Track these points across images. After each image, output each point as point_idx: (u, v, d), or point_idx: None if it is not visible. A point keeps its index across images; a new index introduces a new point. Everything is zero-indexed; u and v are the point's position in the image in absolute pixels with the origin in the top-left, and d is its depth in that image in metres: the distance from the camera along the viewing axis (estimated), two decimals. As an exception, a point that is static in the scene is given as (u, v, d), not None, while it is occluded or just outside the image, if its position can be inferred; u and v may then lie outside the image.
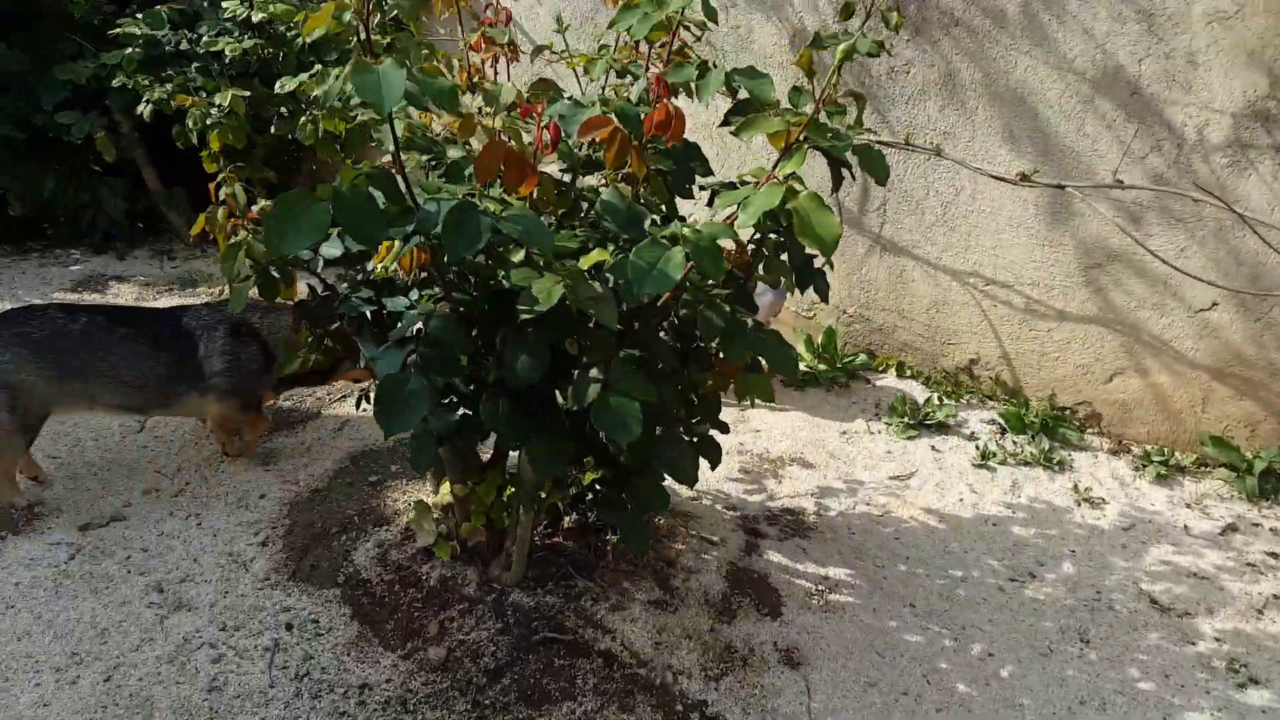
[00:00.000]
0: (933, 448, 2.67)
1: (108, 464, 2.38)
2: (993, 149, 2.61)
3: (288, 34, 3.35)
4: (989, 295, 2.80)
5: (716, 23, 1.63)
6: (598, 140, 1.37)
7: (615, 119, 1.36)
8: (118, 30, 3.33)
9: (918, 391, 2.97)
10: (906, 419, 2.77)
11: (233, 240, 1.47)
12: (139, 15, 3.44)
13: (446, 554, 1.94)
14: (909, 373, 3.07)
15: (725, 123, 1.47)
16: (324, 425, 2.63)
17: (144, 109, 3.30)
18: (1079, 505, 2.43)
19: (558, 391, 1.50)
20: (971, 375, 2.96)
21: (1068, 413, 2.79)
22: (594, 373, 1.34)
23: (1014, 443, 2.70)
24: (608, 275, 1.33)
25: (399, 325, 1.43)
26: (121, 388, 2.13)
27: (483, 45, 1.81)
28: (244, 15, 3.29)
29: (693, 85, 1.53)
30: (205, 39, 3.36)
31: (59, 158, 3.63)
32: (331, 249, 1.58)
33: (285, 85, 3.18)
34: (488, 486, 1.77)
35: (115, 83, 3.39)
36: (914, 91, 2.69)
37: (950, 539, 2.26)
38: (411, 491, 2.28)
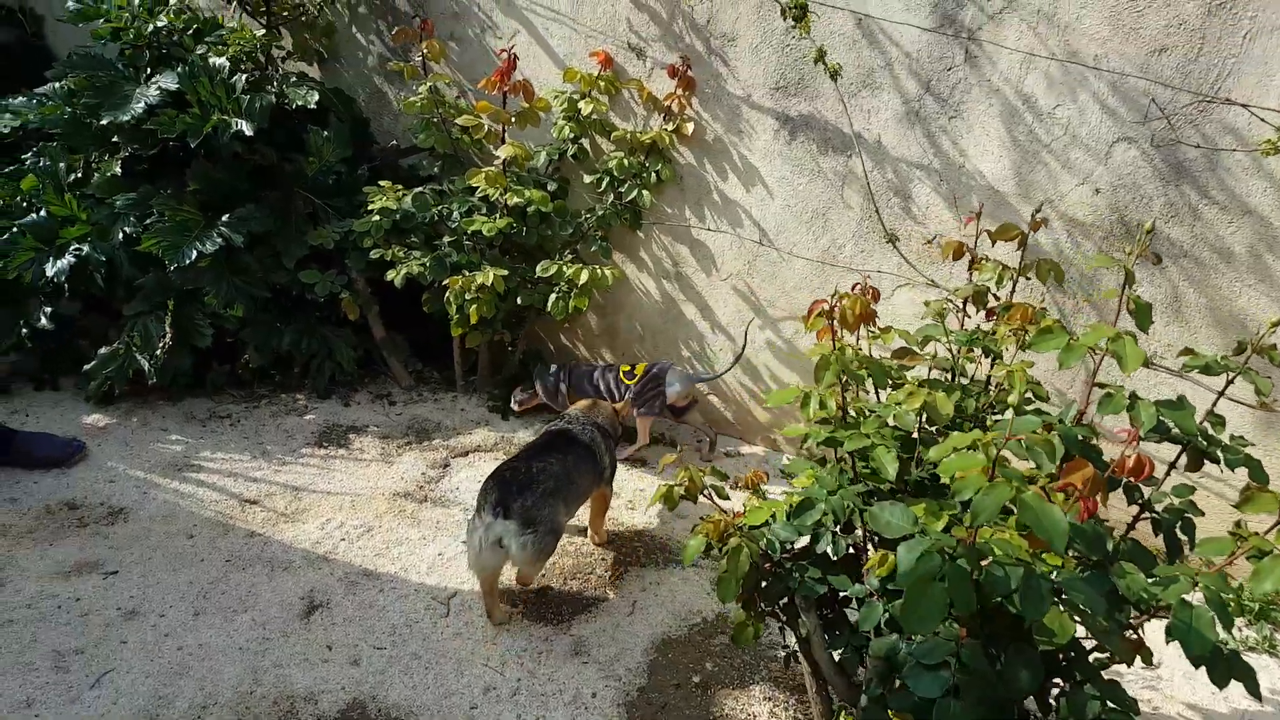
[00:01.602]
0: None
1: (433, 655, 2.55)
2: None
3: (536, 215, 3.58)
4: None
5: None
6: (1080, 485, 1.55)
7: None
8: (376, 204, 3.57)
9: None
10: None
11: (729, 544, 1.64)
12: (383, 184, 3.68)
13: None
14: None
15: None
16: (616, 608, 2.80)
17: (396, 277, 3.54)
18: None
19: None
20: None
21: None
22: (1089, 689, 1.52)
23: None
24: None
25: (855, 608, 1.62)
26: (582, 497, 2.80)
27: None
28: (496, 197, 3.54)
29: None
30: (458, 216, 3.60)
31: (295, 311, 3.85)
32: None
33: (547, 269, 3.45)
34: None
35: (367, 245, 3.64)
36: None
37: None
38: (745, 701, 2.44)
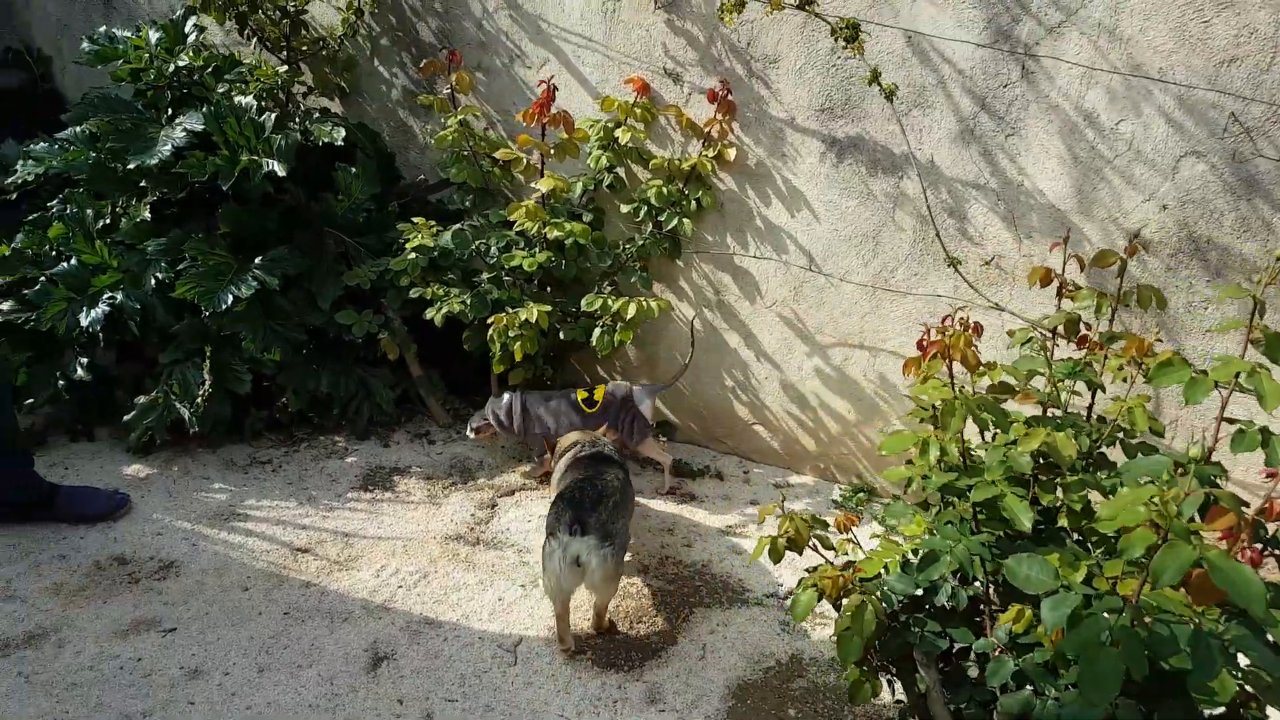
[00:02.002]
0: None
1: (507, 706, 2.46)
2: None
3: (574, 247, 3.52)
4: None
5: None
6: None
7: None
8: (413, 242, 3.50)
9: None
10: None
11: (850, 600, 1.57)
12: (416, 221, 3.61)
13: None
14: None
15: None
16: (686, 653, 2.72)
17: (436, 316, 3.47)
18: None
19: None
20: None
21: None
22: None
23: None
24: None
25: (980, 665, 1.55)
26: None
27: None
28: (534, 231, 3.47)
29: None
30: (495, 251, 3.54)
31: (330, 353, 3.78)
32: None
33: (592, 304, 3.38)
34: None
35: (404, 283, 3.57)
36: (1209, 324, 2.81)
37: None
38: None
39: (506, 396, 3.51)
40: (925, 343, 1.97)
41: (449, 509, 3.40)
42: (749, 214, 3.50)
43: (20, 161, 3.80)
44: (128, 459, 3.51)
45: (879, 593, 1.65)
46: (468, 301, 3.47)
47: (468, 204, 3.86)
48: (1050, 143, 2.86)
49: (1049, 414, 1.89)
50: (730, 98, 3.32)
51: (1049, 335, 2.17)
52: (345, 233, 3.84)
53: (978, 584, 1.71)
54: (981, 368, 1.81)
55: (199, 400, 3.36)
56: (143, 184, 3.63)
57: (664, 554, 3.19)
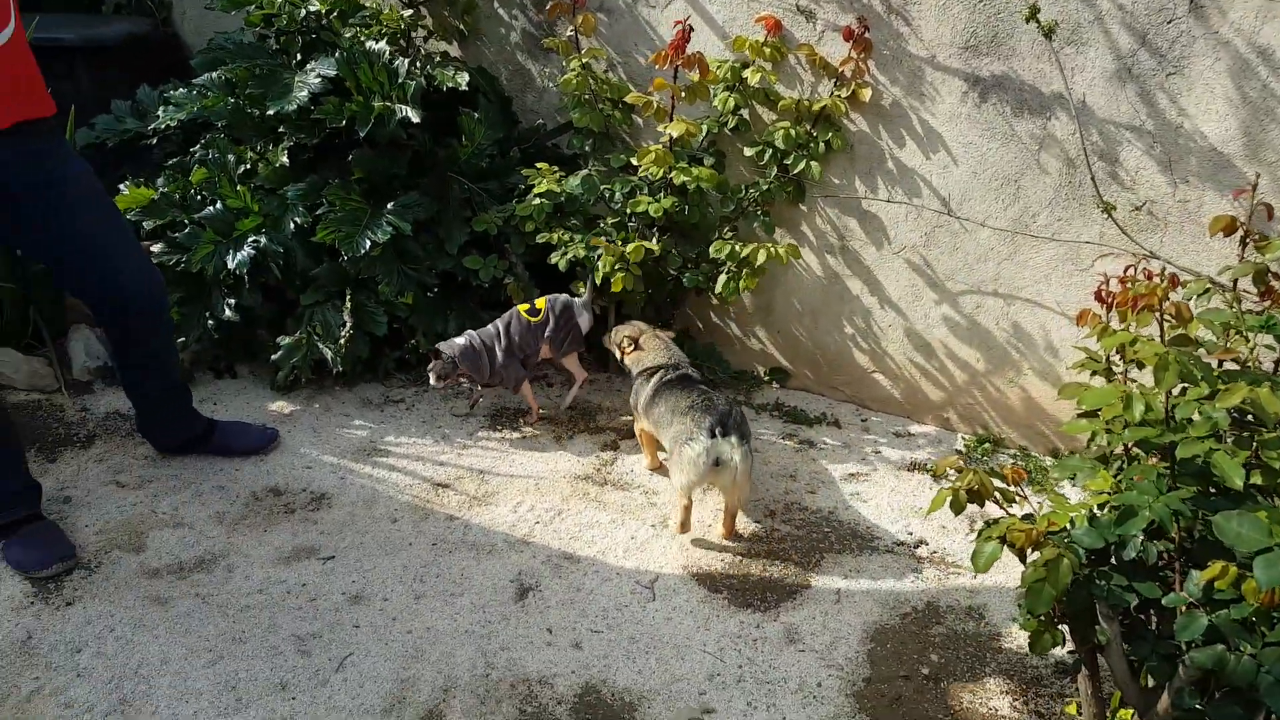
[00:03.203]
0: None
1: (650, 639, 2.54)
2: None
3: (697, 192, 3.51)
4: None
5: None
6: None
7: None
8: (540, 187, 3.54)
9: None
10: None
11: (1042, 554, 1.57)
12: (540, 166, 3.63)
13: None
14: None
15: None
16: (821, 595, 2.76)
17: (560, 260, 3.51)
18: None
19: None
20: None
21: None
22: None
23: None
24: None
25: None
26: None
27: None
28: (659, 176, 3.47)
29: None
30: (620, 197, 3.55)
31: (457, 297, 3.86)
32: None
33: (720, 249, 3.37)
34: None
35: (529, 229, 3.61)
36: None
37: None
38: (982, 695, 2.39)
39: (458, 339, 3.40)
40: (1104, 293, 1.93)
41: (574, 449, 3.48)
42: (880, 156, 3.43)
43: (160, 107, 3.93)
44: (271, 396, 3.67)
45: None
46: (588, 243, 3.50)
47: (587, 148, 3.86)
48: (1217, 82, 2.72)
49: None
50: (867, 35, 3.23)
51: (1227, 288, 2.09)
52: (468, 178, 3.89)
53: (1163, 541, 1.69)
54: (1169, 318, 1.76)
55: (341, 341, 3.48)
56: (280, 129, 3.73)
57: (789, 499, 3.22)
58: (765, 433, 3.63)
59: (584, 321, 3.52)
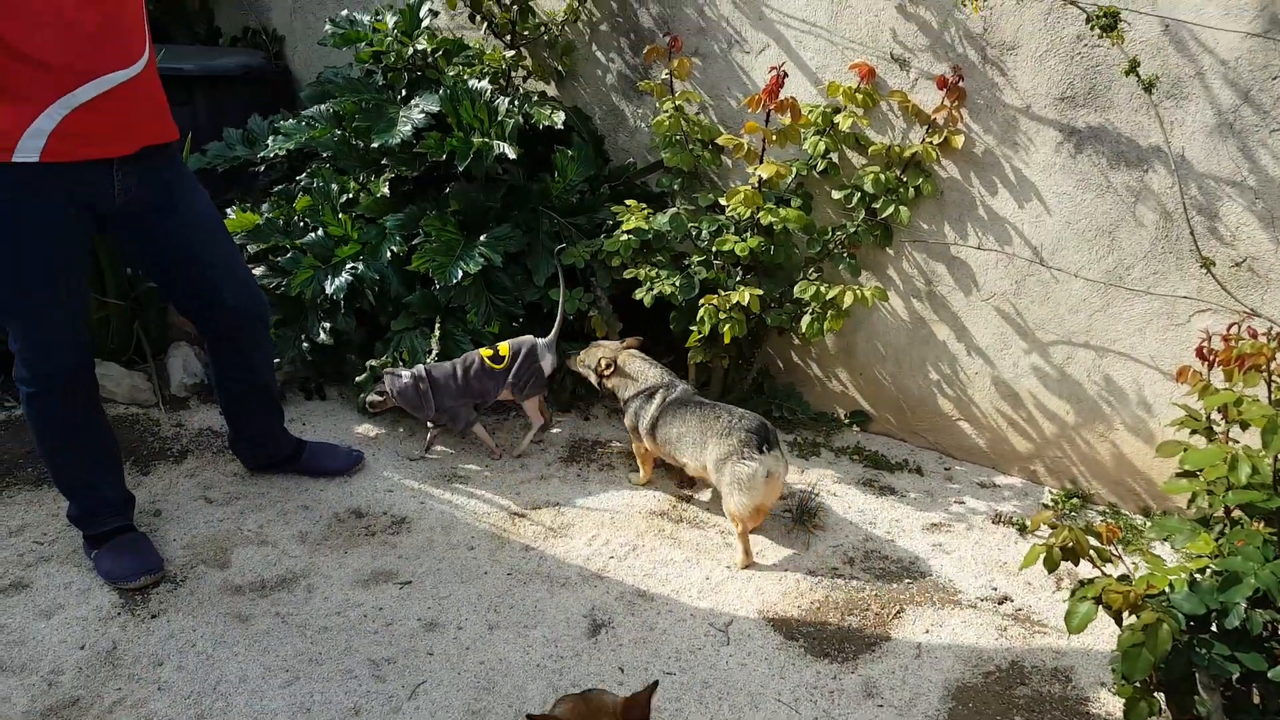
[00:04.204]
0: None
1: (724, 685, 2.52)
2: None
3: (783, 233, 3.53)
4: None
5: None
6: None
7: None
8: (629, 224, 3.60)
9: None
10: None
11: (1141, 618, 1.52)
12: (629, 204, 3.69)
13: None
14: None
15: None
16: (900, 649, 2.70)
17: (646, 296, 3.56)
18: None
19: None
20: None
21: None
22: None
23: None
24: None
25: None
26: None
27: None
28: (746, 216, 3.50)
29: None
30: (706, 235, 3.59)
31: (541, 327, 3.93)
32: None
33: (805, 290, 3.38)
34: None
35: (615, 264, 3.67)
36: None
37: None
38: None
39: (406, 372, 3.39)
40: (1205, 350, 1.88)
41: (650, 485, 3.49)
42: (971, 203, 3.40)
43: (270, 136, 4.13)
44: (357, 418, 3.79)
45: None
46: (677, 284, 3.54)
47: (676, 187, 3.92)
48: (1329, 138, 2.64)
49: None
50: (961, 84, 3.23)
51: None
52: (559, 213, 3.98)
53: (1269, 610, 1.62)
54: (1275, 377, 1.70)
55: (425, 367, 3.59)
56: (383, 161, 3.88)
57: (869, 547, 3.17)
58: (844, 476, 3.59)
59: (547, 364, 3.49)
